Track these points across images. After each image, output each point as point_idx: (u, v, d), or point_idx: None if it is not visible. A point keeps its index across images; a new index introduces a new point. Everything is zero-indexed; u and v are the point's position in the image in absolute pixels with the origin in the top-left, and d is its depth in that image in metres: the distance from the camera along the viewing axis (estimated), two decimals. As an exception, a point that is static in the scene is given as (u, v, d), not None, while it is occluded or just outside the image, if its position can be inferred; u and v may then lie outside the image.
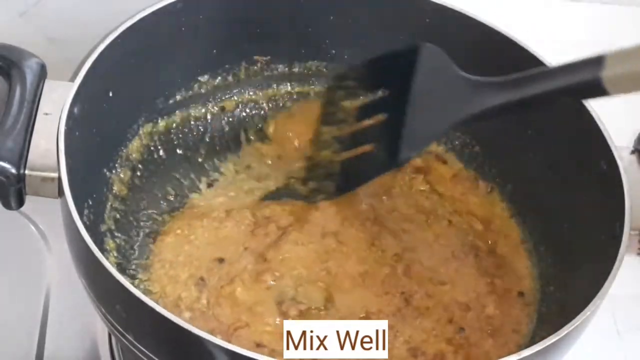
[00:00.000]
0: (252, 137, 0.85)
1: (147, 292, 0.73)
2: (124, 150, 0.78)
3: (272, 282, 0.74)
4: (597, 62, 0.61)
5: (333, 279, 0.74)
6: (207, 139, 0.84)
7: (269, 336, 0.70)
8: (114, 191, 0.76)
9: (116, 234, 0.75)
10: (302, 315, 0.72)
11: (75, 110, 0.67)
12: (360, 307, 0.73)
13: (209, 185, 0.82)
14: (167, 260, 0.75)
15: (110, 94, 0.74)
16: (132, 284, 0.67)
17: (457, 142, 0.85)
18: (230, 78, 0.85)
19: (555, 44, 0.90)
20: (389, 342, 0.67)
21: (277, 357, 0.67)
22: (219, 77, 0.84)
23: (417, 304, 0.74)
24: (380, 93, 0.75)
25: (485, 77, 0.68)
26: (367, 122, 0.75)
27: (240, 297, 0.73)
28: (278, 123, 0.84)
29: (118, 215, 0.76)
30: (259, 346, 0.70)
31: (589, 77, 0.61)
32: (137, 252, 0.75)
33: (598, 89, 0.61)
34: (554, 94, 0.65)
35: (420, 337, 0.72)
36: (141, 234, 0.77)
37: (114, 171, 0.77)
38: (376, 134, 0.74)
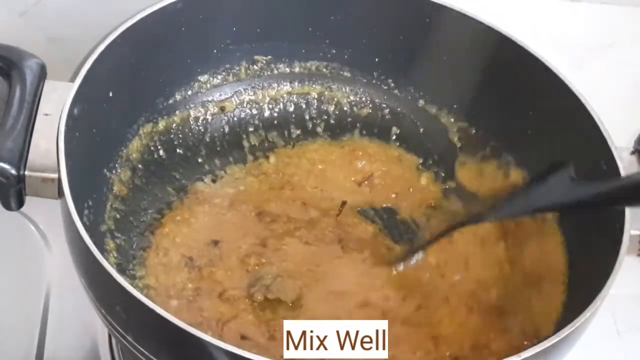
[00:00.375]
0: (254, 143, 0.85)
1: (145, 287, 0.73)
2: (124, 150, 0.78)
3: (255, 267, 0.74)
4: None
5: (313, 282, 0.74)
6: (207, 139, 0.84)
7: (254, 328, 0.71)
8: (114, 191, 0.76)
9: (116, 234, 0.75)
10: (267, 305, 0.72)
11: (75, 110, 0.67)
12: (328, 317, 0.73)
13: (213, 181, 0.82)
14: (162, 247, 0.76)
15: (110, 94, 0.73)
16: (132, 284, 0.68)
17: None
18: (230, 78, 0.85)
19: (555, 44, 0.90)
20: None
21: (260, 349, 0.67)
22: (219, 77, 0.84)
23: (397, 332, 0.72)
24: None
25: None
26: None
27: (219, 279, 0.73)
28: (279, 157, 0.84)
29: (118, 216, 0.76)
30: (243, 339, 0.70)
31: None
32: (137, 251, 0.75)
33: None
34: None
35: (404, 356, 0.71)
36: (141, 233, 0.77)
37: (114, 171, 0.77)
38: None
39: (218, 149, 0.84)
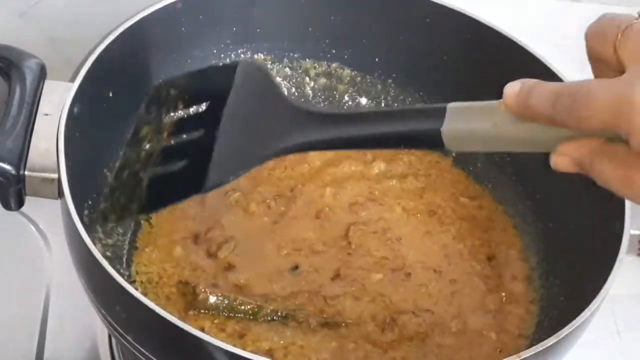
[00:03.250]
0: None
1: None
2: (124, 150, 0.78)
3: None
4: (439, 113, 0.56)
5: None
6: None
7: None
8: (113, 191, 0.76)
9: (116, 234, 0.75)
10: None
11: (75, 110, 0.67)
12: None
13: None
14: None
15: (110, 94, 0.73)
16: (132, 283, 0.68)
17: None
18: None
19: (555, 44, 0.90)
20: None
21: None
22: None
23: None
24: (200, 108, 0.70)
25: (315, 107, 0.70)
26: (182, 139, 0.71)
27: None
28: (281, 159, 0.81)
29: (118, 215, 0.76)
30: None
31: (429, 128, 0.56)
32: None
33: (437, 142, 0.56)
34: (389, 138, 0.59)
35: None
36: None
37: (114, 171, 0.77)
38: (190, 153, 0.68)
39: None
